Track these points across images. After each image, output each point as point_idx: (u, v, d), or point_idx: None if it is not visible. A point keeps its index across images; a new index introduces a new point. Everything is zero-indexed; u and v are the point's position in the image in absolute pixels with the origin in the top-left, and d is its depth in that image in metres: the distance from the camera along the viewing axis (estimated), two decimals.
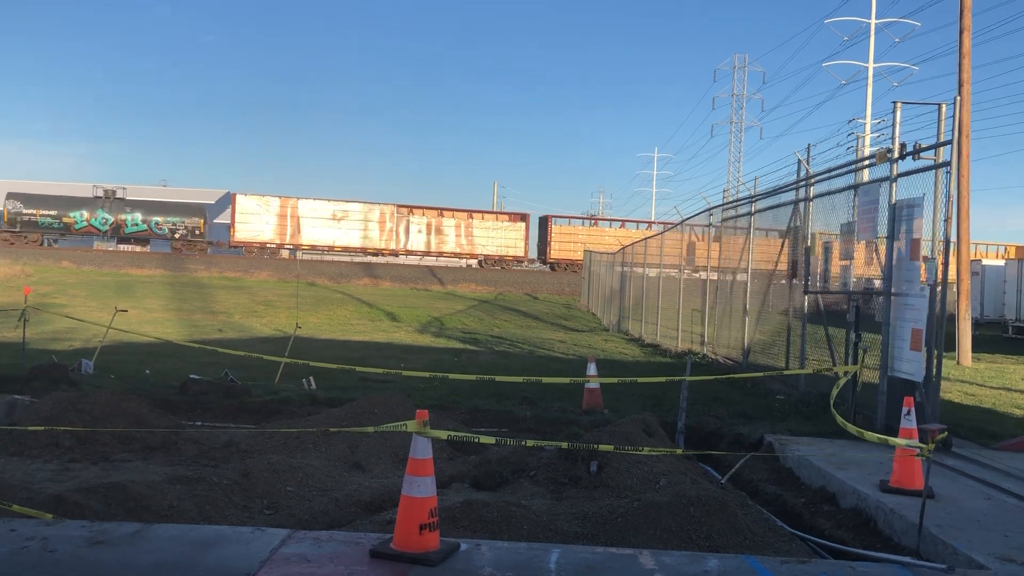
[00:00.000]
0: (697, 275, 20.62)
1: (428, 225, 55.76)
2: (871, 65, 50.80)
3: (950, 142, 8.98)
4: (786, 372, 11.66)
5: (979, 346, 22.67)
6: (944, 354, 9.11)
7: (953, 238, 22.57)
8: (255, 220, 52.13)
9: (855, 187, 11.13)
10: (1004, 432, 9.98)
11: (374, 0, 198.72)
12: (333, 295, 37.29)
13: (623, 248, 31.52)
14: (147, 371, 12.99)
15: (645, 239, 27.14)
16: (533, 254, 59.04)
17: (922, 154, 9.30)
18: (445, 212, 56.41)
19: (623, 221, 60.95)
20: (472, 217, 56.69)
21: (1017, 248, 55.85)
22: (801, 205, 13.02)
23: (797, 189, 13.25)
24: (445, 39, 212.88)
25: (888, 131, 10.12)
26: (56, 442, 7.82)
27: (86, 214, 49.79)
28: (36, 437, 7.79)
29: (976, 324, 26.96)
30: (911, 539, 5.80)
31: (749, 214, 15.63)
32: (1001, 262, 32.76)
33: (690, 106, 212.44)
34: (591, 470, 7.10)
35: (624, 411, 10.80)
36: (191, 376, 11.71)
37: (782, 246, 14.04)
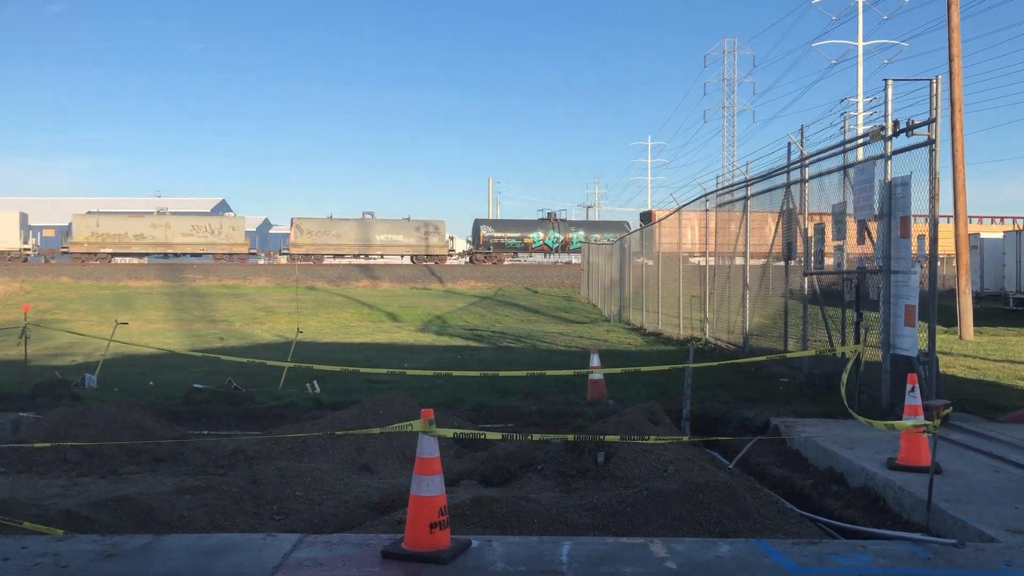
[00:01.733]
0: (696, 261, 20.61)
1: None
2: (860, 43, 50.69)
3: (934, 120, 9.00)
4: (789, 355, 11.65)
5: (980, 319, 22.64)
6: (946, 329, 9.13)
7: (949, 213, 22.75)
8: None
9: (845, 167, 11.13)
10: (1009, 404, 9.99)
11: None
12: (333, 298, 37.28)
13: (620, 237, 31.50)
14: (150, 382, 12.99)
15: (640, 228, 27.12)
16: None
17: (916, 130, 9.30)
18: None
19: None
20: (823, 219, 59.91)
21: None
22: (795, 187, 13.01)
23: (789, 171, 13.24)
24: (434, 33, 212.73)
25: (881, 109, 10.10)
26: (63, 457, 7.82)
27: (541, 234, 57.74)
28: (43, 454, 7.79)
29: (977, 297, 26.91)
30: (921, 515, 5.81)
31: (745, 198, 15.63)
32: (1000, 234, 32.68)
33: (681, 93, 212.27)
34: (598, 461, 7.11)
35: (629, 401, 10.80)
36: (195, 385, 11.70)
37: (776, 228, 14.04)
